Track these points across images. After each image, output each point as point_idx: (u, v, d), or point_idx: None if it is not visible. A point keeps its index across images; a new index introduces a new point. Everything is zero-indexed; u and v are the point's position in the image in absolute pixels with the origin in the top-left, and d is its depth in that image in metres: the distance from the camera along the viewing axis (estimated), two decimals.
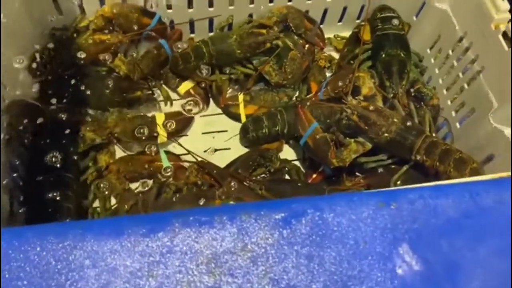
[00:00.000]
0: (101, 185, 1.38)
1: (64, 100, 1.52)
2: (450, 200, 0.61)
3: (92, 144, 1.49)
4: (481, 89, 1.38)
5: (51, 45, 1.55)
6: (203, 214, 0.58)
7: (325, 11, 1.76)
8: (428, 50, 1.64)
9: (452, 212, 0.61)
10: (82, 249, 0.56)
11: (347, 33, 1.80)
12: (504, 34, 1.29)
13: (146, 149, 1.52)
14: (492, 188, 0.63)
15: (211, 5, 1.65)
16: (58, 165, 1.38)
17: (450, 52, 1.52)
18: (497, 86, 1.32)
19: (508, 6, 1.29)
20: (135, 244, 0.56)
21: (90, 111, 1.57)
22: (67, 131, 1.46)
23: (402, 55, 1.56)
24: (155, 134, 1.52)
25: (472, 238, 0.60)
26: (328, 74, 1.73)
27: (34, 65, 1.51)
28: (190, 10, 1.66)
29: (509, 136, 1.28)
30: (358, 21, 1.81)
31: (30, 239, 0.56)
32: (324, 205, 0.59)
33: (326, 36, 1.77)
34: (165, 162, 1.46)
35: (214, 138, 1.61)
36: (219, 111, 1.66)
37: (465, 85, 1.47)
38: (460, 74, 1.49)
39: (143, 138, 1.50)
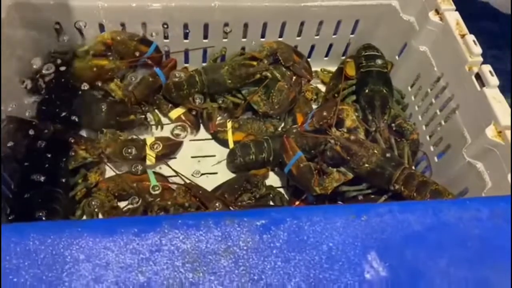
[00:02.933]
0: (93, 202, 1.42)
1: (59, 120, 1.58)
2: (416, 215, 0.68)
3: (83, 162, 1.53)
4: (457, 125, 1.46)
5: (50, 67, 1.62)
6: (190, 218, 0.64)
7: (313, 47, 1.87)
8: (409, 88, 1.74)
9: (416, 226, 0.67)
10: (78, 244, 0.60)
11: (333, 68, 1.90)
12: (477, 75, 1.39)
13: (132, 168, 1.57)
14: (453, 206, 0.69)
15: (206, 37, 1.75)
16: (48, 181, 1.42)
17: (429, 91, 1.62)
18: (471, 123, 1.40)
19: (480, 50, 1.40)
20: (126, 242, 0.61)
21: (84, 132, 1.63)
22: (60, 149, 1.50)
23: (384, 91, 1.66)
24: (144, 156, 1.57)
25: (434, 249, 0.66)
26: (314, 106, 1.81)
27: (33, 85, 1.57)
28: (186, 41, 1.75)
29: (481, 170, 1.35)
30: (343, 57, 1.91)
31: (30, 235, 0.60)
32: (301, 214, 0.65)
33: (313, 69, 1.87)
34: (153, 181, 1.50)
35: (202, 162, 1.67)
36: (208, 136, 1.73)
37: (442, 122, 1.55)
38: (438, 112, 1.58)
39: (130, 157, 1.54)
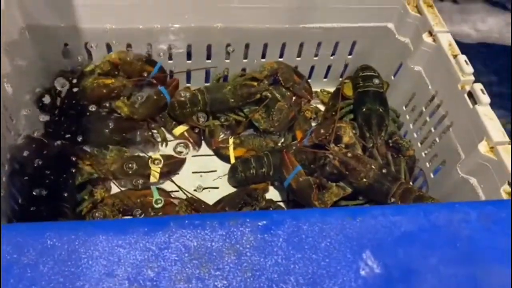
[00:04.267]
0: (96, 214, 1.45)
1: (67, 136, 1.63)
2: (408, 217, 0.72)
3: (89, 178, 1.57)
4: (451, 142, 1.51)
5: (58, 86, 1.68)
6: (196, 218, 0.68)
7: (313, 68, 1.94)
8: (404, 107, 1.80)
9: (408, 226, 0.71)
10: (92, 242, 0.65)
11: (332, 88, 1.96)
12: (469, 94, 1.44)
13: (133, 182, 1.61)
14: (443, 209, 0.74)
15: (208, 57, 1.82)
16: (56, 196, 1.46)
17: (424, 109, 1.68)
18: (464, 139, 1.45)
19: (472, 70, 1.46)
20: (137, 240, 0.66)
21: (90, 148, 1.67)
22: (66, 164, 1.55)
23: (381, 110, 1.71)
24: (149, 173, 1.62)
25: (425, 248, 0.70)
26: (313, 124, 1.86)
27: (42, 103, 1.63)
28: (189, 61, 1.82)
29: (475, 185, 1.39)
30: (341, 78, 1.98)
31: (47, 233, 0.65)
32: (300, 216, 0.70)
33: (313, 89, 1.93)
34: (156, 195, 1.54)
35: (204, 177, 1.71)
36: (210, 152, 1.78)
37: (437, 139, 1.60)
38: (432, 129, 1.63)
39: (130, 172, 1.58)
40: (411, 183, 1.68)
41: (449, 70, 1.51)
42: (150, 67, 1.77)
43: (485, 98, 1.40)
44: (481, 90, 1.41)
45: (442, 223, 0.72)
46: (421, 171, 1.69)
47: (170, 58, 1.80)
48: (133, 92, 1.76)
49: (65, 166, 1.54)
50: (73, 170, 1.55)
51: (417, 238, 0.70)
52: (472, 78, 1.46)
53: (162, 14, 1.64)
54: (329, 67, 1.95)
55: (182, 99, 1.75)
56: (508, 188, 1.25)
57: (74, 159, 1.56)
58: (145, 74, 1.77)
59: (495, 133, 1.34)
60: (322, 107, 1.95)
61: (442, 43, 1.55)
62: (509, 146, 1.32)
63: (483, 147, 1.35)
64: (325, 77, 1.99)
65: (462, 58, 1.49)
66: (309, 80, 1.95)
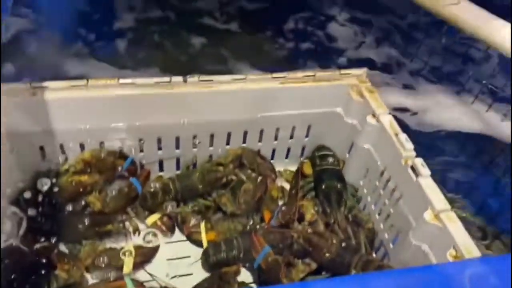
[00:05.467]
0: None
1: (43, 239, 1.68)
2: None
3: (64, 284, 1.60)
4: (402, 212, 1.64)
5: (40, 186, 1.76)
6: None
7: (274, 150, 2.09)
8: (361, 182, 1.95)
9: None
10: None
11: (294, 167, 2.11)
12: (412, 168, 1.60)
13: (105, 275, 1.65)
14: (382, 277, 0.84)
15: (177, 147, 1.96)
16: None
17: (377, 183, 1.82)
18: (413, 209, 1.59)
19: (412, 146, 1.63)
20: None
21: (66, 245, 1.73)
22: (43, 273, 1.58)
23: (339, 186, 1.86)
24: (121, 264, 1.68)
25: None
26: (280, 203, 1.98)
27: (23, 199, 1.71)
28: (160, 152, 1.96)
29: (427, 251, 1.51)
30: (301, 158, 2.14)
31: None
32: None
33: (277, 169, 2.07)
34: (130, 285, 1.58)
35: (178, 264, 1.77)
36: (183, 238, 1.86)
37: (391, 210, 1.74)
38: (386, 201, 1.77)
39: (103, 266, 1.64)
40: (374, 254, 1.79)
41: (393, 147, 1.68)
42: (122, 161, 1.89)
43: (425, 171, 1.56)
44: (421, 164, 1.58)
45: None
46: (381, 242, 1.80)
47: (141, 150, 1.93)
48: (105, 186, 1.86)
49: (40, 274, 1.57)
50: (48, 276, 1.58)
51: None
52: (413, 153, 1.63)
53: (131, 113, 1.79)
54: (289, 149, 2.11)
55: (152, 189, 1.86)
56: (453, 252, 1.37)
57: (50, 262, 1.59)
58: (119, 168, 1.88)
59: (437, 202, 1.48)
60: (287, 185, 2.08)
61: (384, 124, 1.74)
62: (451, 213, 1.46)
63: (428, 215, 1.48)
64: (286, 157, 2.14)
65: (403, 136, 1.67)
66: (272, 161, 2.09)
